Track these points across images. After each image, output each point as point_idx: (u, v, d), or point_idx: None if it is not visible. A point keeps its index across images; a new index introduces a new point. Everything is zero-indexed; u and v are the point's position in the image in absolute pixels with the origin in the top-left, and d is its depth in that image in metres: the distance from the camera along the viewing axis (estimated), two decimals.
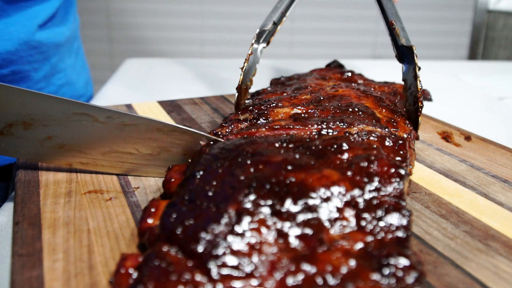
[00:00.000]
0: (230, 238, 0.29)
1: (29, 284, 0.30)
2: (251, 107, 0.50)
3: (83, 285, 0.30)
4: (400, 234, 0.31)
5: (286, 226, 0.31)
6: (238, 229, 0.30)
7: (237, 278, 0.27)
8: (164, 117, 0.65)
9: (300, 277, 0.28)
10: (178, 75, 1.03)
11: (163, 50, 2.28)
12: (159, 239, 0.31)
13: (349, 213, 0.33)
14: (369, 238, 0.31)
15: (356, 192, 0.34)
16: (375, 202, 0.33)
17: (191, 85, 0.94)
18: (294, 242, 0.30)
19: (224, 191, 0.33)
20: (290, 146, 0.39)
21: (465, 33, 2.40)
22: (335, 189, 0.34)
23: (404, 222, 0.32)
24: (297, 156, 0.37)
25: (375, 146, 0.40)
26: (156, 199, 0.36)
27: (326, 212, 0.32)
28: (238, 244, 0.29)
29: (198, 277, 0.27)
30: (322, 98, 0.52)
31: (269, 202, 0.32)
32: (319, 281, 0.27)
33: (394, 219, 0.32)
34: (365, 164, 0.36)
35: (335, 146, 0.39)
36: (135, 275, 0.28)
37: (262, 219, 0.31)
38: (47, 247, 0.34)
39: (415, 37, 2.17)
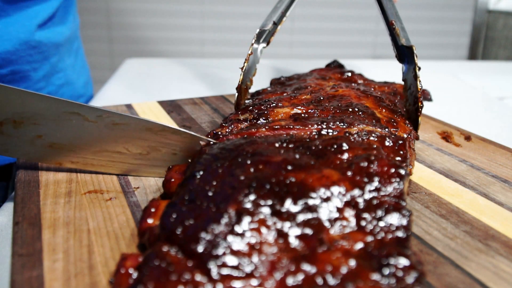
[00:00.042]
0: (230, 238, 0.29)
1: (29, 284, 0.30)
2: (251, 107, 0.50)
3: (83, 285, 0.30)
4: (400, 234, 0.31)
5: (286, 226, 0.31)
6: (238, 229, 0.30)
7: (237, 278, 0.27)
8: (164, 117, 0.65)
9: (300, 277, 0.28)
10: (178, 75, 1.03)
11: (163, 50, 2.28)
12: (159, 239, 0.31)
13: (349, 213, 0.33)
14: (369, 238, 0.31)
15: (356, 192, 0.34)
16: (375, 202, 0.33)
17: (191, 85, 0.94)
18: (294, 242, 0.30)
19: (224, 191, 0.33)
20: (290, 146, 0.39)
21: (465, 33, 2.40)
22: (335, 189, 0.34)
23: (404, 222, 0.32)
24: (297, 156, 0.37)
25: (375, 146, 0.40)
26: (156, 199, 0.36)
27: (326, 212, 0.32)
28: (238, 244, 0.29)
29: (198, 277, 0.27)
30: (322, 98, 0.52)
31: (269, 202, 0.32)
32: (319, 281, 0.27)
33: (394, 219, 0.32)
34: (365, 164, 0.36)
35: (335, 146, 0.39)
36: (135, 275, 0.28)
37: (262, 219, 0.31)
38: (47, 247, 0.34)
39: (415, 37, 2.17)
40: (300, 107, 0.49)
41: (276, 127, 0.44)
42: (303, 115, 0.48)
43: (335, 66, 0.74)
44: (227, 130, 0.47)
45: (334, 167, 0.36)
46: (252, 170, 0.35)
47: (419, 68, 0.52)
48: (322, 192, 0.33)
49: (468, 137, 0.58)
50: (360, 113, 0.47)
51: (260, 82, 0.75)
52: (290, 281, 0.27)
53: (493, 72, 1.16)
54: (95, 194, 0.42)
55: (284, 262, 0.29)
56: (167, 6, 2.21)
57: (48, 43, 0.76)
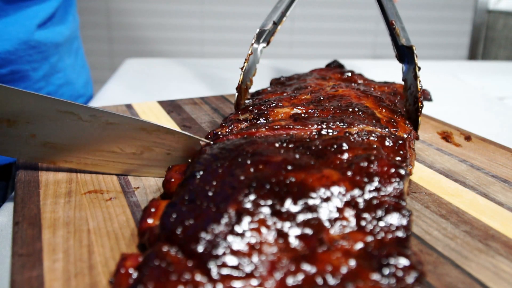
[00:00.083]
0: (230, 238, 0.29)
1: (29, 284, 0.30)
2: (251, 107, 0.50)
3: (83, 285, 0.30)
4: (400, 234, 0.31)
5: (286, 226, 0.31)
6: (238, 229, 0.30)
7: (237, 278, 0.27)
8: (164, 117, 0.65)
9: (300, 277, 0.28)
10: (178, 75, 1.03)
11: (163, 50, 2.28)
12: (159, 239, 0.31)
13: (349, 213, 0.33)
14: (369, 238, 0.31)
15: (356, 192, 0.34)
16: (375, 202, 0.33)
17: (191, 85, 0.94)
18: (294, 242, 0.30)
19: (224, 191, 0.33)
20: (290, 146, 0.39)
21: (465, 33, 2.40)
22: (335, 189, 0.34)
23: (404, 222, 0.32)
24: (297, 156, 0.37)
25: (375, 146, 0.40)
26: (156, 199, 0.36)
27: (326, 212, 0.32)
28: (238, 244, 0.29)
29: (198, 277, 0.27)
30: (322, 98, 0.52)
31: (269, 202, 0.32)
32: (319, 281, 0.27)
33: (394, 219, 0.32)
34: (365, 164, 0.36)
35: (335, 146, 0.39)
36: (135, 275, 0.28)
37: (262, 219, 0.31)
38: (47, 247, 0.34)
39: (415, 37, 2.17)
40: (300, 107, 0.49)
41: (276, 127, 0.44)
42: (303, 115, 0.48)
43: (335, 66, 0.74)
44: (227, 130, 0.47)
45: (334, 167, 0.36)
46: (252, 170, 0.35)
47: (419, 68, 0.52)
48: (322, 192, 0.33)
49: (468, 137, 0.58)
50: (360, 113, 0.47)
51: (260, 82, 0.75)
52: (290, 281, 0.27)
53: (493, 72, 1.16)
54: (95, 194, 0.42)
55: (284, 262, 0.29)
56: (167, 6, 2.21)
57: (47, 43, 0.76)
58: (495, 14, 2.33)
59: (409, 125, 0.50)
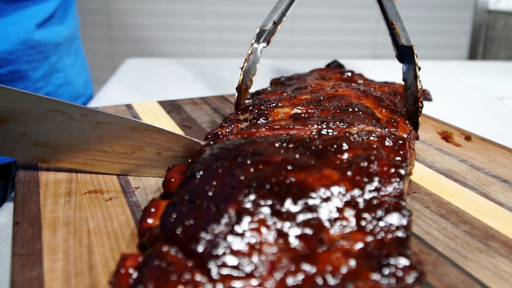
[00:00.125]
0: (230, 238, 0.29)
1: (29, 284, 0.30)
2: (251, 107, 0.50)
3: (83, 285, 0.30)
4: (400, 234, 0.31)
5: (286, 226, 0.31)
6: (238, 229, 0.30)
7: (237, 278, 0.27)
8: (164, 117, 0.65)
9: (300, 277, 0.28)
10: (178, 75, 1.03)
11: (163, 50, 2.28)
12: (159, 239, 0.31)
13: (349, 213, 0.33)
14: (369, 238, 0.31)
15: (356, 192, 0.34)
16: (375, 202, 0.33)
17: (191, 85, 0.94)
18: (294, 242, 0.30)
19: (224, 191, 0.33)
20: (290, 146, 0.39)
21: (465, 33, 2.40)
22: (335, 189, 0.34)
23: (404, 222, 0.32)
24: (297, 156, 0.37)
25: (375, 146, 0.40)
26: (156, 199, 0.36)
27: (326, 212, 0.32)
28: (238, 244, 0.29)
29: (198, 277, 0.27)
30: (322, 98, 0.52)
31: (269, 202, 0.32)
32: (319, 281, 0.27)
33: (394, 219, 0.32)
34: (365, 164, 0.36)
35: (335, 146, 0.39)
36: (135, 275, 0.28)
37: (262, 219, 0.31)
38: (47, 247, 0.34)
39: (415, 37, 2.17)
40: (300, 107, 0.49)
41: (276, 127, 0.44)
42: (303, 115, 0.48)
43: (335, 66, 0.74)
44: (227, 130, 0.47)
45: (334, 167, 0.36)
46: (252, 170, 0.35)
47: (419, 68, 0.52)
48: (322, 192, 0.33)
49: (468, 137, 0.58)
50: (360, 113, 0.47)
51: (260, 82, 0.75)
52: (290, 281, 0.27)
53: (493, 72, 1.16)
54: (95, 194, 0.42)
55: (284, 262, 0.29)
56: (167, 6, 2.21)
57: (47, 43, 0.76)
58: (495, 14, 2.33)
59: (409, 125, 0.50)
